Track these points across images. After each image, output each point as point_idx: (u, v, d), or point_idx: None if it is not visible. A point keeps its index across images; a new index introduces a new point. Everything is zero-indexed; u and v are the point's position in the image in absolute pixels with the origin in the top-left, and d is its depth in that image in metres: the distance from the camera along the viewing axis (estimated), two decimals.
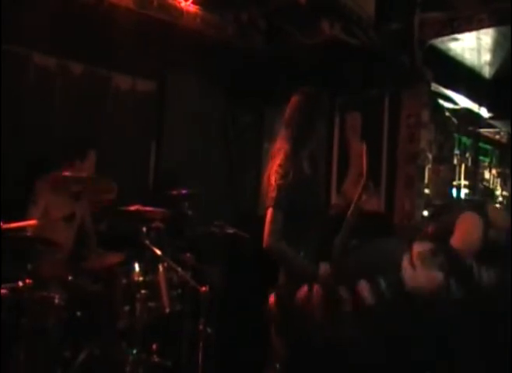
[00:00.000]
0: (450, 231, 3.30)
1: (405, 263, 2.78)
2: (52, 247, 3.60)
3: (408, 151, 5.30)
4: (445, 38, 5.12)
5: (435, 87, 5.68)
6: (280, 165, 3.14)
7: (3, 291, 3.14)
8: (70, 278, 3.64)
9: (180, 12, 5.13)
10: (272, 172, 3.16)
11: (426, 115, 5.35)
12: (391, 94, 5.40)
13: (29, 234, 3.49)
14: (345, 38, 5.13)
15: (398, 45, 5.12)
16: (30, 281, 3.19)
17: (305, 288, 2.89)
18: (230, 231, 4.41)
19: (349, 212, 3.22)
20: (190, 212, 4.47)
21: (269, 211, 3.08)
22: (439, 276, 2.68)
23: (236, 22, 5.53)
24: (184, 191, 4.52)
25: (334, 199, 5.18)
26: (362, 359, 2.76)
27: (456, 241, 3.15)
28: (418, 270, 2.75)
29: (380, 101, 5.44)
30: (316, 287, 2.83)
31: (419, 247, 2.78)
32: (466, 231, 3.18)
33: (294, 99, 3.26)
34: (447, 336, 2.64)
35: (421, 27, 5.06)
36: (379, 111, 5.44)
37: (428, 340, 2.64)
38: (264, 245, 3.05)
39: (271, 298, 3.09)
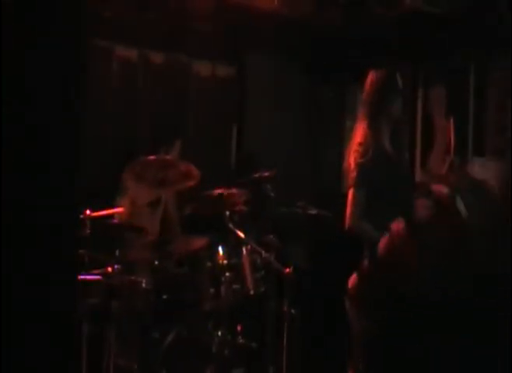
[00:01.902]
0: None
1: None
2: (138, 233, 3.72)
3: (496, 123, 5.07)
4: None
5: None
6: (360, 144, 3.15)
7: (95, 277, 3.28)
8: (156, 262, 3.73)
9: None
10: (352, 151, 3.17)
11: None
12: (477, 64, 5.15)
13: (116, 221, 3.62)
14: (427, 8, 4.96)
15: (484, 10, 4.88)
16: (119, 266, 3.30)
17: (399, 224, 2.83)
18: (313, 211, 4.37)
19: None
20: (272, 194, 4.46)
21: (350, 192, 3.11)
22: None
23: None
24: (265, 173, 4.51)
25: (418, 176, 5.04)
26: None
27: None
28: None
29: (465, 72, 5.20)
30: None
31: None
32: None
33: (369, 77, 3.23)
34: None
35: None
36: (464, 83, 5.20)
37: None
38: (346, 225, 3.10)
39: (352, 280, 3.09)
